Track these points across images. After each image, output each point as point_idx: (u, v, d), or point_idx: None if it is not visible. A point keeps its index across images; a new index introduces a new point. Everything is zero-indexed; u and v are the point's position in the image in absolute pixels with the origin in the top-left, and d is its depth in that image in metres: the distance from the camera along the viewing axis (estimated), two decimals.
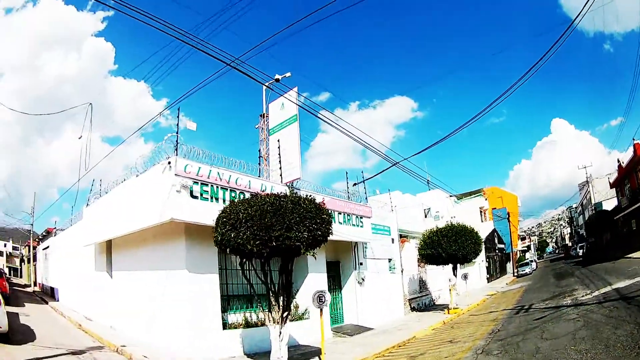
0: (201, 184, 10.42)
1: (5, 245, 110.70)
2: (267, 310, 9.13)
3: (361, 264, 16.51)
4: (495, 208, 54.62)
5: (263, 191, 10.16)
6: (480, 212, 45.73)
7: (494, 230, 46.58)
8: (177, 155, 10.27)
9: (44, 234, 36.86)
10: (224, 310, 11.28)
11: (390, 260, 18.34)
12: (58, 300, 27.46)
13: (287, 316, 9.21)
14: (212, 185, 10.65)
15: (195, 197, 10.21)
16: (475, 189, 51.87)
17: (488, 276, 40.02)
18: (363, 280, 16.35)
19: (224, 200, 10.73)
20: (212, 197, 10.61)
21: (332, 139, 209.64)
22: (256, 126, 16.24)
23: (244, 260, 9.07)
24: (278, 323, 9.01)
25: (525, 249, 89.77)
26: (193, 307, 10.48)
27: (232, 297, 11.66)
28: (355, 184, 17.58)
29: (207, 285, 10.84)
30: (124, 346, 11.16)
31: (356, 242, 16.22)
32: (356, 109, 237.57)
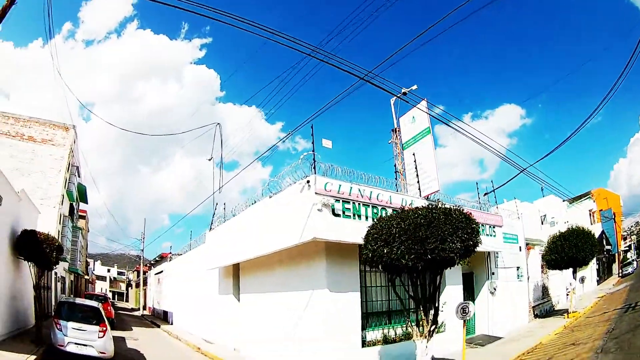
0: (342, 201, 10.31)
1: (109, 271, 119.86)
2: (414, 324, 9.00)
3: (493, 273, 16.11)
4: (602, 210, 51.08)
5: (403, 206, 9.90)
6: (590, 214, 43.32)
7: (602, 232, 43.89)
8: (315, 173, 10.22)
9: (157, 259, 39.25)
10: (362, 327, 11.04)
11: (518, 268, 17.87)
12: (172, 324, 28.86)
13: (433, 330, 9.00)
14: (353, 203, 10.52)
15: (337, 215, 10.10)
16: (582, 192, 48.80)
17: (598, 278, 38.04)
18: (495, 289, 15.92)
19: (367, 217, 10.59)
20: (354, 215, 10.46)
21: (450, 151, 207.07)
22: (389, 141, 16.47)
23: (393, 275, 9.01)
24: (425, 337, 8.86)
25: (627, 248, 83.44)
26: (332, 326, 10.29)
27: (370, 315, 11.45)
28: (486, 194, 17.19)
29: (348, 304, 10.62)
30: None
31: (489, 252, 15.84)
32: (470, 120, 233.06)
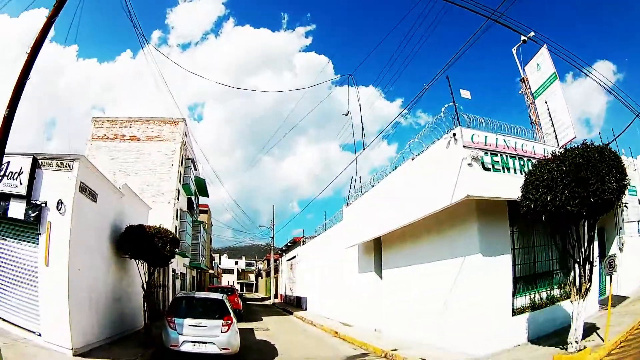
0: (491, 154, 10.21)
1: (236, 263, 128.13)
2: (572, 283, 8.60)
3: (620, 228, 14.85)
4: None
5: (545, 156, 9.65)
6: None
7: None
8: (460, 125, 10.25)
9: (288, 244, 41.57)
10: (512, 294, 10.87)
11: (639, 222, 15.99)
12: (305, 309, 30.75)
13: (589, 288, 8.62)
14: (501, 155, 10.39)
15: (487, 170, 10.02)
16: None
17: None
18: (622, 245, 14.69)
19: (515, 170, 10.41)
20: (503, 168, 10.32)
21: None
22: (520, 92, 15.97)
23: (551, 228, 8.70)
24: (582, 297, 8.47)
25: None
26: (484, 295, 10.30)
27: (518, 280, 11.07)
28: (608, 144, 15.60)
29: (499, 269, 10.54)
30: (394, 350, 11.61)
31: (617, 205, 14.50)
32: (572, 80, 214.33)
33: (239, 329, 17.73)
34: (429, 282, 12.48)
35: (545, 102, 14.36)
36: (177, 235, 28.02)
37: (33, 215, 9.44)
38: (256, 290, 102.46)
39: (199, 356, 10.30)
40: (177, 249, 13.25)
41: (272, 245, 49.54)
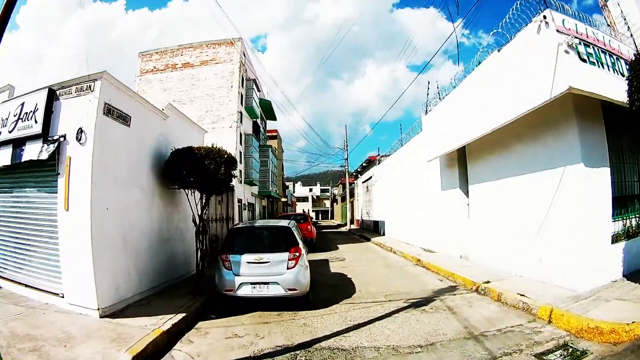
0: (584, 44, 8.77)
1: (310, 190, 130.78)
2: None
3: None
4: None
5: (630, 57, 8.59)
6: None
7: None
8: (548, 7, 8.87)
9: (363, 165, 40.58)
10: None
11: None
12: (383, 235, 30.30)
13: None
14: (593, 47, 8.93)
15: (584, 61, 8.59)
16: None
17: None
18: None
19: (608, 67, 9.02)
20: (597, 62, 8.85)
21: None
22: None
23: None
24: None
25: None
26: (585, 215, 9.04)
27: (616, 200, 9.63)
28: None
29: (600, 184, 9.22)
30: (487, 282, 10.52)
31: None
32: None
33: (313, 260, 16.86)
34: (521, 199, 11.21)
35: (618, 4, 12.53)
36: (243, 160, 27.85)
37: (49, 152, 8.50)
38: (332, 217, 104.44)
39: (261, 300, 9.34)
40: (234, 171, 11.91)
41: (346, 167, 48.84)
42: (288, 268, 9.18)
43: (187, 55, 28.45)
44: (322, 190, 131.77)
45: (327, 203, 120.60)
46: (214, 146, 11.62)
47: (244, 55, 29.49)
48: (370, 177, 37.04)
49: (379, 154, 33.50)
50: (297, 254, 9.41)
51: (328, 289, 11.70)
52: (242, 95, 28.55)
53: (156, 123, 11.74)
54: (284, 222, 10.91)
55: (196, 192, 11.50)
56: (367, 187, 39.67)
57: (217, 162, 10.87)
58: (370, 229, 36.99)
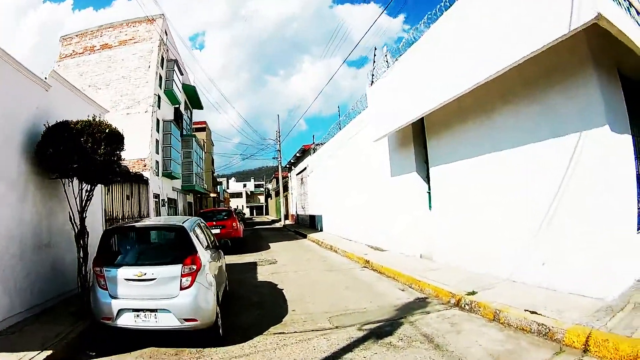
0: None
1: (245, 186, 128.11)
2: None
3: None
4: None
5: None
6: None
7: None
8: None
9: (297, 155, 37.63)
10: None
11: None
12: (321, 230, 27.58)
13: None
14: None
15: None
16: None
17: None
18: None
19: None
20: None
21: None
22: None
23: None
24: None
25: None
26: (612, 197, 6.59)
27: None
28: None
29: (624, 157, 6.92)
30: (472, 293, 7.67)
31: None
32: None
33: (238, 264, 14.75)
34: (512, 181, 8.44)
35: None
36: (161, 150, 24.19)
37: None
38: (267, 213, 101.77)
39: (152, 333, 6.43)
40: (120, 152, 9.26)
41: (279, 158, 45.73)
42: (182, 288, 6.20)
43: (107, 36, 25.27)
44: (257, 186, 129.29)
45: (262, 199, 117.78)
46: (95, 119, 8.88)
47: (166, 33, 26.24)
48: (305, 168, 34.13)
49: (313, 142, 30.64)
50: (195, 267, 6.35)
51: (251, 308, 8.60)
52: (161, 78, 25.29)
53: (33, 93, 8.89)
54: (177, 221, 7.56)
55: (75, 181, 8.80)
56: (302, 179, 36.73)
57: (95, 138, 8.33)
58: (307, 225, 34.44)
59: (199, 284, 6.31)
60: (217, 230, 18.26)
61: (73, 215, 8.47)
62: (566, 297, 6.69)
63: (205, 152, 43.55)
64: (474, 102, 9.24)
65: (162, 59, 25.47)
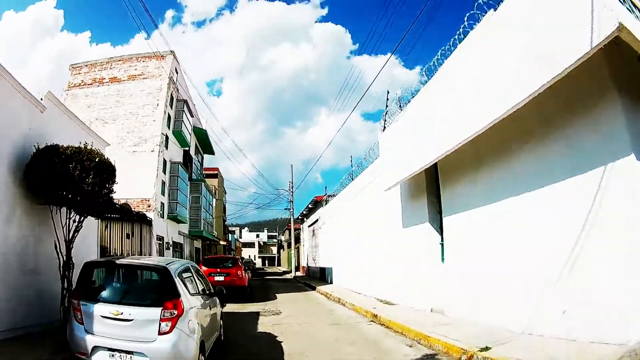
0: None
1: (257, 236, 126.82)
2: None
3: None
4: None
5: None
6: None
7: None
8: None
9: (309, 207, 37.15)
10: None
11: None
12: (331, 283, 26.71)
13: None
14: None
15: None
16: None
17: None
18: None
19: None
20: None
21: None
22: None
23: None
24: None
25: None
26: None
27: None
28: None
29: None
30: (486, 349, 6.88)
31: None
32: None
33: (240, 313, 14.22)
34: (530, 226, 7.84)
35: None
36: (167, 192, 23.77)
37: None
38: (279, 264, 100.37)
39: None
40: (112, 185, 9.28)
41: (291, 209, 45.24)
42: (161, 333, 5.71)
43: (116, 69, 25.02)
44: (270, 237, 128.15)
45: (274, 249, 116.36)
46: (87, 147, 8.90)
47: (176, 72, 26.18)
48: (317, 220, 33.51)
49: (325, 194, 30.16)
50: (176, 312, 5.85)
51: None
52: (170, 117, 25.01)
53: (27, 113, 8.86)
54: (163, 261, 6.96)
55: (64, 210, 8.69)
56: (313, 232, 36.00)
57: (84, 166, 8.27)
58: (317, 277, 33.47)
59: (180, 331, 5.82)
60: (221, 278, 17.73)
61: (59, 244, 8.26)
62: (587, 347, 6.10)
63: (216, 199, 43.23)
64: (490, 145, 8.79)
65: (172, 98, 25.30)
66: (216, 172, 52.59)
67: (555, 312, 6.99)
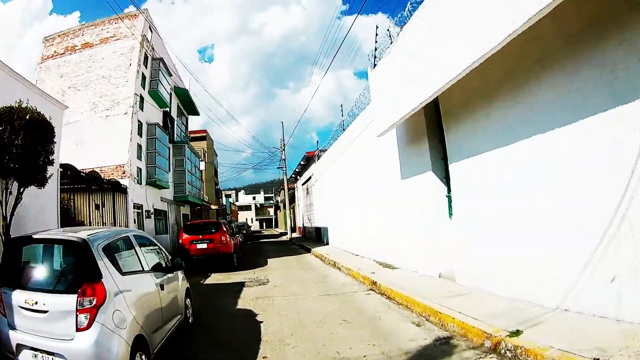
0: None
1: (254, 199, 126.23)
2: None
3: None
4: None
5: None
6: None
7: None
8: None
9: (301, 163, 35.40)
10: None
11: None
12: (327, 244, 25.69)
13: None
14: None
15: None
16: None
17: None
18: None
19: None
20: None
21: None
22: None
23: None
24: None
25: None
26: None
27: None
28: None
29: None
30: (515, 333, 5.35)
31: None
32: None
33: (222, 285, 13.05)
34: (564, 171, 6.04)
35: None
36: (144, 156, 21.80)
37: None
38: (276, 226, 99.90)
39: None
40: (50, 144, 8.02)
41: (284, 168, 43.67)
42: (79, 329, 4.26)
43: (88, 35, 23.10)
44: (266, 199, 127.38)
45: (272, 211, 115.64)
46: (21, 105, 7.75)
47: (150, 30, 23.93)
48: (310, 177, 31.96)
49: (318, 149, 28.39)
50: (94, 299, 4.36)
51: (211, 348, 6.66)
52: (145, 77, 22.87)
53: None
54: (85, 233, 5.09)
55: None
56: (307, 189, 34.55)
57: (13, 126, 7.19)
58: (313, 238, 32.27)
59: (101, 326, 4.31)
60: (204, 245, 16.43)
61: None
62: None
63: (205, 162, 41.47)
64: (504, 72, 7.02)
65: (147, 57, 23.30)
66: (204, 134, 50.47)
67: (601, 281, 5.35)
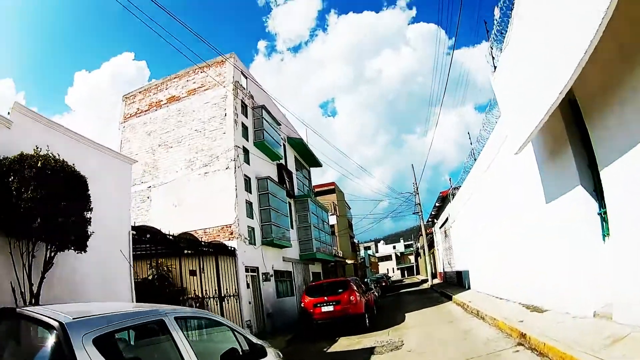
0: None
1: (394, 248, 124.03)
2: None
3: None
4: None
5: None
6: None
7: None
8: None
9: (436, 205, 33.56)
10: None
11: None
12: (468, 288, 23.33)
13: None
14: None
15: None
16: None
17: None
18: None
19: None
20: None
21: None
22: None
23: None
24: None
25: None
26: None
27: None
28: None
29: None
30: None
31: None
32: None
33: (350, 351, 11.72)
34: None
35: None
36: (257, 214, 20.74)
37: None
38: (417, 273, 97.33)
39: None
40: (83, 201, 6.97)
41: (420, 213, 41.85)
42: None
43: (173, 88, 22.64)
44: (406, 246, 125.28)
45: (412, 259, 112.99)
46: (38, 152, 6.67)
47: (244, 76, 22.81)
48: (446, 219, 29.91)
49: (451, 186, 26.45)
50: None
51: None
52: (246, 127, 21.68)
53: None
54: (74, 313, 3.42)
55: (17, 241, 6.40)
56: (445, 232, 32.42)
57: (23, 177, 6.09)
58: (454, 283, 30.00)
59: None
60: (330, 308, 15.40)
61: (22, 286, 6.04)
62: None
63: (337, 215, 40.85)
64: None
65: (245, 106, 21.97)
66: (332, 187, 50.22)
67: None
